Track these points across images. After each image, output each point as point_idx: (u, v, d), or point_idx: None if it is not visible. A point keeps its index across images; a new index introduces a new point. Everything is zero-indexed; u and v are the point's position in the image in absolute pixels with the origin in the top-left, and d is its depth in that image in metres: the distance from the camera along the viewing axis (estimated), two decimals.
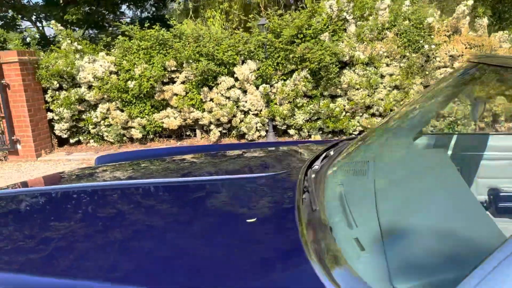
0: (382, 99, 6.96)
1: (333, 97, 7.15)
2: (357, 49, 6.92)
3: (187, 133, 7.88)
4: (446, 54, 6.85)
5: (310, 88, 6.97)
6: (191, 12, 9.85)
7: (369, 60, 6.96)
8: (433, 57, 6.88)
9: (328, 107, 6.91)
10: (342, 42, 6.98)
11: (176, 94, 7.48)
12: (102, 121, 7.74)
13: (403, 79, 6.83)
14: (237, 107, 7.33)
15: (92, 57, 7.56)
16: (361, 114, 7.15)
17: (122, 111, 7.65)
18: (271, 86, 7.21)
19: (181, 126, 7.69)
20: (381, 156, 1.71)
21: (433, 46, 6.65)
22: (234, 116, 7.38)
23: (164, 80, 7.45)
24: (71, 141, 8.00)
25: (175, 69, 7.42)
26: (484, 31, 7.11)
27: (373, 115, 7.16)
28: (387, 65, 6.95)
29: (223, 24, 9.42)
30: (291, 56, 6.96)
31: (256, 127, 7.38)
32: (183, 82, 7.49)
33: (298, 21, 6.97)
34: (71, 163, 7.03)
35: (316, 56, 6.57)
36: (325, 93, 7.00)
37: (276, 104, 7.24)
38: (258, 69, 7.22)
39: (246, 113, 7.41)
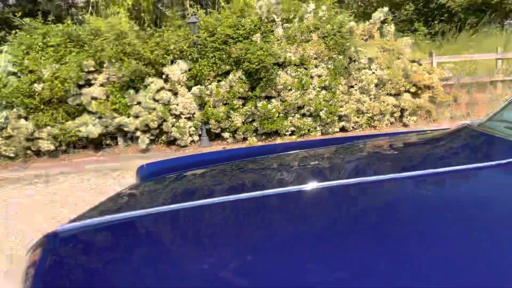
0: (311, 100, 7.20)
1: (268, 98, 7.14)
2: (288, 50, 7.04)
3: (107, 142, 6.99)
4: (365, 56, 7.41)
5: (247, 89, 6.83)
6: (90, 8, 8.81)
7: (300, 62, 7.13)
8: (355, 59, 7.38)
9: (266, 108, 6.86)
10: (273, 43, 7.01)
11: (95, 98, 6.58)
12: None
13: (331, 80, 7.17)
14: (169, 110, 6.78)
15: None
16: (293, 114, 7.28)
17: (26, 119, 6.42)
18: (205, 87, 6.86)
19: (101, 134, 6.79)
20: None
21: (359, 49, 7.13)
22: (165, 120, 6.81)
23: (80, 83, 6.49)
24: None
25: (93, 69, 6.53)
26: (392, 37, 7.92)
27: (303, 115, 7.35)
28: (316, 66, 7.22)
29: (129, 22, 8.64)
30: (224, 56, 6.73)
31: (189, 131, 6.94)
32: (102, 85, 6.63)
33: (231, 21, 6.77)
34: None
35: (255, 57, 6.47)
36: (262, 94, 6.94)
37: (210, 106, 6.91)
38: (189, 70, 6.81)
39: (177, 117, 6.91)
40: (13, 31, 6.64)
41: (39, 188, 5.36)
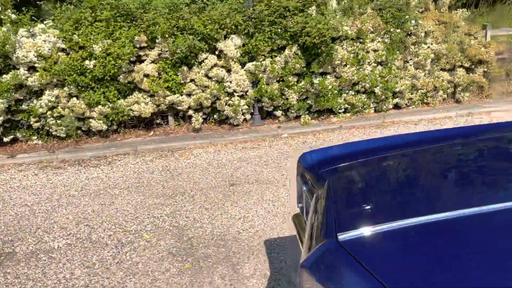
0: (367, 75, 6.92)
1: (322, 75, 6.86)
2: (345, 24, 6.71)
3: (158, 122, 6.76)
4: (422, 29, 7.09)
5: (303, 65, 6.55)
6: None
7: (357, 36, 6.82)
8: (411, 33, 7.07)
9: (324, 85, 6.59)
10: (329, 16, 6.67)
11: (147, 76, 6.32)
12: (49, 112, 6.14)
13: (389, 55, 6.88)
14: (223, 88, 6.52)
15: (32, 30, 5.91)
16: (347, 91, 7.02)
17: (77, 98, 6.17)
18: (260, 64, 6.57)
19: (152, 113, 6.54)
20: None
21: (420, 22, 6.82)
22: (218, 98, 6.56)
23: (131, 59, 6.20)
24: (5, 139, 6.18)
25: (145, 45, 6.24)
26: (446, 9, 7.57)
27: (358, 91, 7.09)
28: (372, 40, 6.91)
29: None
30: (280, 31, 6.42)
31: (241, 110, 6.69)
32: (153, 61, 6.35)
33: None
34: (25, 168, 5.42)
35: (315, 31, 6.16)
36: (319, 70, 6.66)
37: (264, 84, 6.64)
38: (243, 45, 6.52)
39: (230, 94, 6.65)
40: (57, 5, 6.32)
41: (106, 171, 5.17)
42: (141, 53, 6.29)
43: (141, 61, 6.35)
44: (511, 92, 8.11)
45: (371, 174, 1.72)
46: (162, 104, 6.46)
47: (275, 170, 4.80)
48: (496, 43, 7.75)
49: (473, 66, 7.62)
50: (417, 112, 7.18)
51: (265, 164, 5.02)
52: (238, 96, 6.65)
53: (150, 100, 6.40)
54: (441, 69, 7.48)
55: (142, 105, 6.33)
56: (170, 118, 6.79)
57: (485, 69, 7.66)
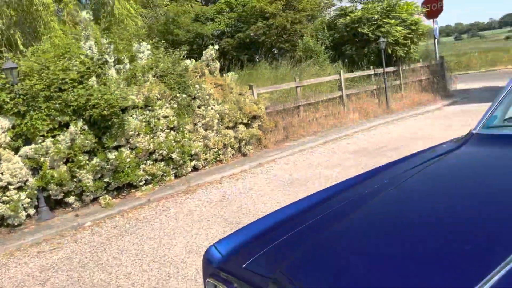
0: (162, 142, 6.70)
1: (117, 148, 6.24)
2: (131, 93, 6.38)
3: None
4: (204, 92, 7.40)
5: (94, 140, 5.81)
6: None
7: (144, 104, 6.56)
8: (195, 97, 7.29)
9: (121, 159, 5.98)
10: (111, 86, 6.23)
11: None
12: None
13: (180, 119, 6.86)
14: None
15: None
16: (145, 161, 6.59)
17: None
18: (39, 146, 5.48)
19: None
20: None
21: (203, 86, 7.07)
22: None
23: None
24: None
25: None
26: (218, 73, 8.19)
27: (156, 160, 6.75)
28: (161, 107, 6.78)
29: None
30: (59, 106, 5.58)
31: (23, 204, 5.39)
32: None
33: (61, 64, 5.69)
34: None
35: (103, 102, 5.59)
36: (113, 144, 6.02)
37: (48, 168, 5.56)
38: (13, 127, 5.34)
39: (5, 189, 5.26)
40: None
41: None
42: None
43: None
44: (281, 140, 9.26)
45: (323, 253, 1.44)
46: None
47: (98, 270, 3.91)
48: (262, 100, 8.80)
49: (250, 122, 8.38)
50: (216, 171, 7.32)
51: (81, 267, 4.05)
52: (15, 189, 5.34)
53: None
54: (226, 127, 7.93)
55: None
56: None
57: (260, 123, 8.54)
